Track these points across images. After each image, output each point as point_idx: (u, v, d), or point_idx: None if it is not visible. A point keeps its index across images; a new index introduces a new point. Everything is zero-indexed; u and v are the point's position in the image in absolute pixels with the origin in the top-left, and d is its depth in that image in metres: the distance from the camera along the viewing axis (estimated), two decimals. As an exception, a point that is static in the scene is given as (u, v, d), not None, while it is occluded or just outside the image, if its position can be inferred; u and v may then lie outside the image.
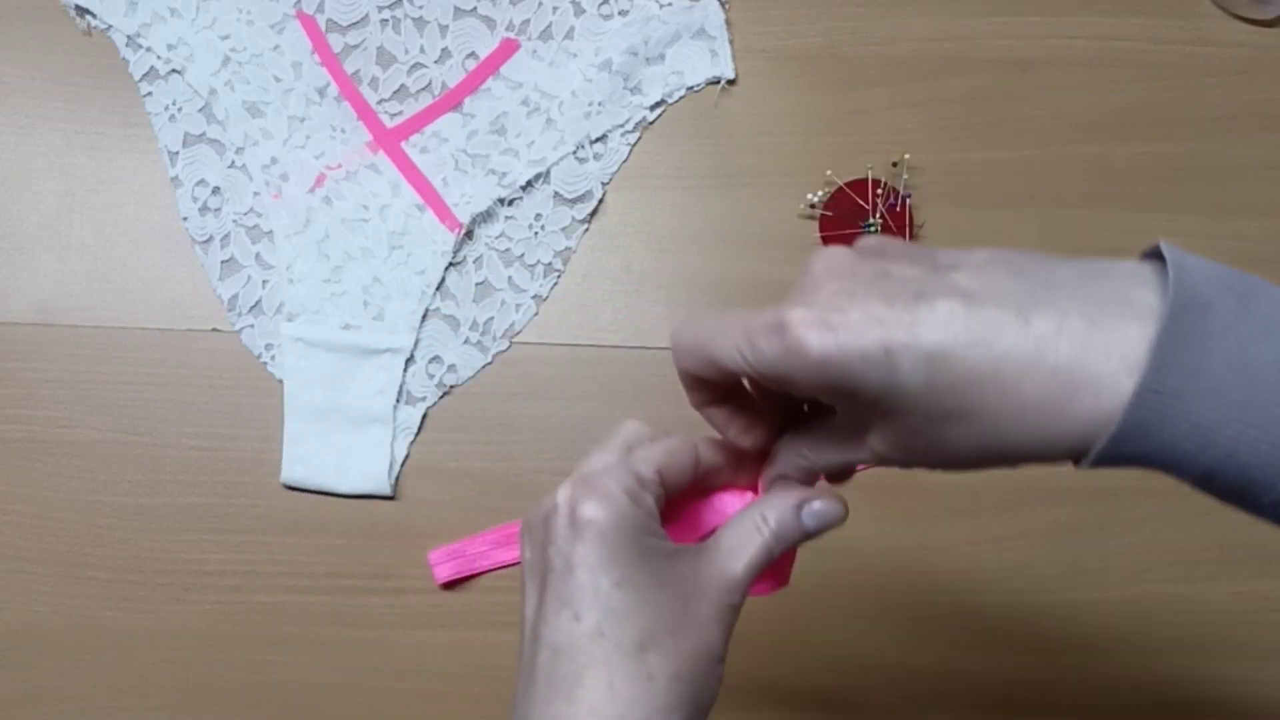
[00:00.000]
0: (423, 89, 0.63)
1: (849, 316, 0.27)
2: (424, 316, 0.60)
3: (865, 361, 0.27)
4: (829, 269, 0.30)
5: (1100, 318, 0.26)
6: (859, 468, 0.35)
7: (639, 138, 0.62)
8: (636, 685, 0.30)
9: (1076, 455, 0.27)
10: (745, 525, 0.34)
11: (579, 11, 0.63)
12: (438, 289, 0.60)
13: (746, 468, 0.36)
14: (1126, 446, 0.26)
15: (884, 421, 0.29)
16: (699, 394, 0.34)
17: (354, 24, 0.63)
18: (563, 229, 0.61)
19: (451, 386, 0.59)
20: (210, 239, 0.61)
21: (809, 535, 0.34)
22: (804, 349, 0.28)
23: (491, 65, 0.63)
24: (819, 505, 0.34)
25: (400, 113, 0.62)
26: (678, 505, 0.36)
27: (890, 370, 0.27)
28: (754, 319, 0.29)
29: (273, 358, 0.59)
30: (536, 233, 0.61)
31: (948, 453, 0.29)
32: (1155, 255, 0.28)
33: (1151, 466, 0.27)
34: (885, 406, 0.28)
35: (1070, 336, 0.26)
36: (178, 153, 0.62)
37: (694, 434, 0.35)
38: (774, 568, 0.36)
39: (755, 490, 0.37)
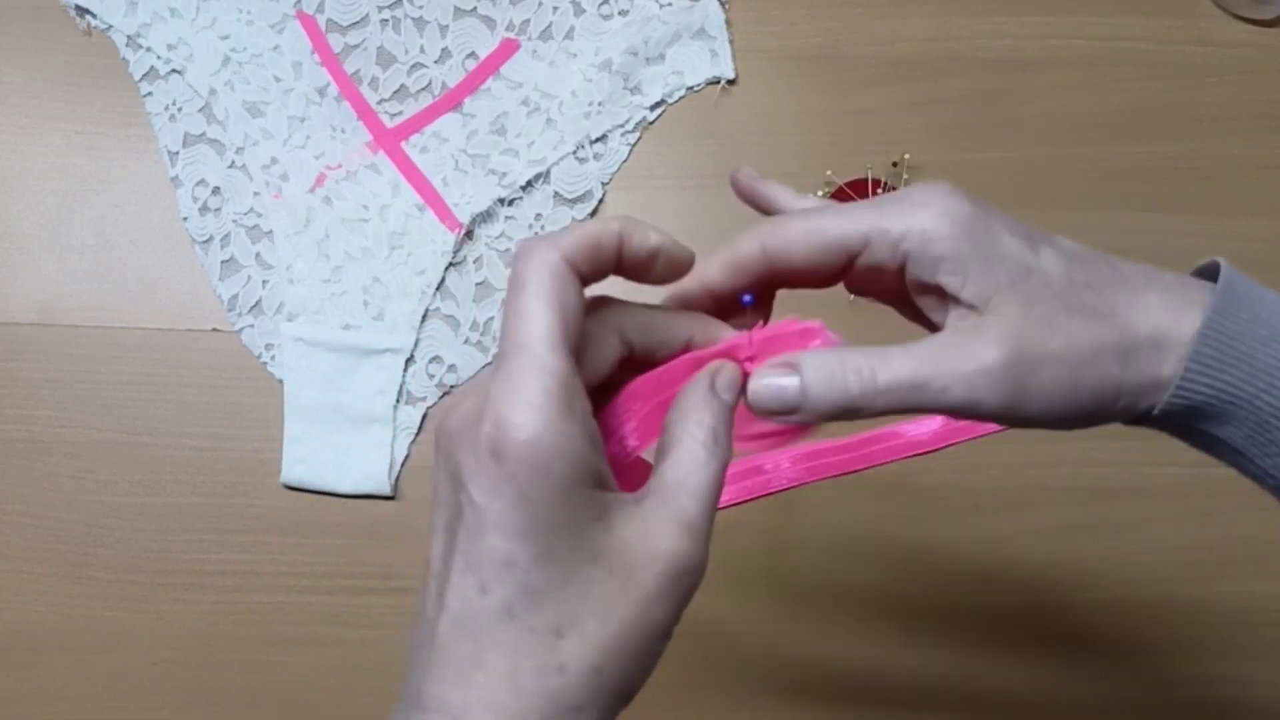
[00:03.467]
0: (423, 89, 0.63)
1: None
2: (424, 316, 0.60)
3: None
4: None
5: (1173, 292, 0.31)
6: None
7: (639, 138, 0.62)
8: (545, 679, 0.26)
9: (1146, 400, 0.31)
10: (683, 443, 0.28)
11: (579, 11, 0.63)
12: (438, 289, 0.60)
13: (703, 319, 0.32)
14: (1196, 385, 0.30)
15: (1011, 313, 0.29)
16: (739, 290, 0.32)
17: (354, 24, 0.63)
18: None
19: (451, 386, 0.59)
20: (210, 239, 0.61)
21: (733, 412, 0.30)
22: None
23: (491, 65, 0.63)
24: (727, 375, 0.30)
25: (400, 113, 0.62)
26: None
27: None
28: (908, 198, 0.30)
29: (273, 358, 0.59)
30: (537, 233, 0.61)
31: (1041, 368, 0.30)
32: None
33: (1212, 421, 0.31)
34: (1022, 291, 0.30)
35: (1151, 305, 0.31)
36: (178, 153, 0.62)
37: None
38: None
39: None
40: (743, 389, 0.31)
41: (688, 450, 0.28)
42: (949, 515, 0.58)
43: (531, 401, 0.25)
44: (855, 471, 0.59)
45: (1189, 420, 0.31)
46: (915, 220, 0.30)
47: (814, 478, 0.58)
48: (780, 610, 0.57)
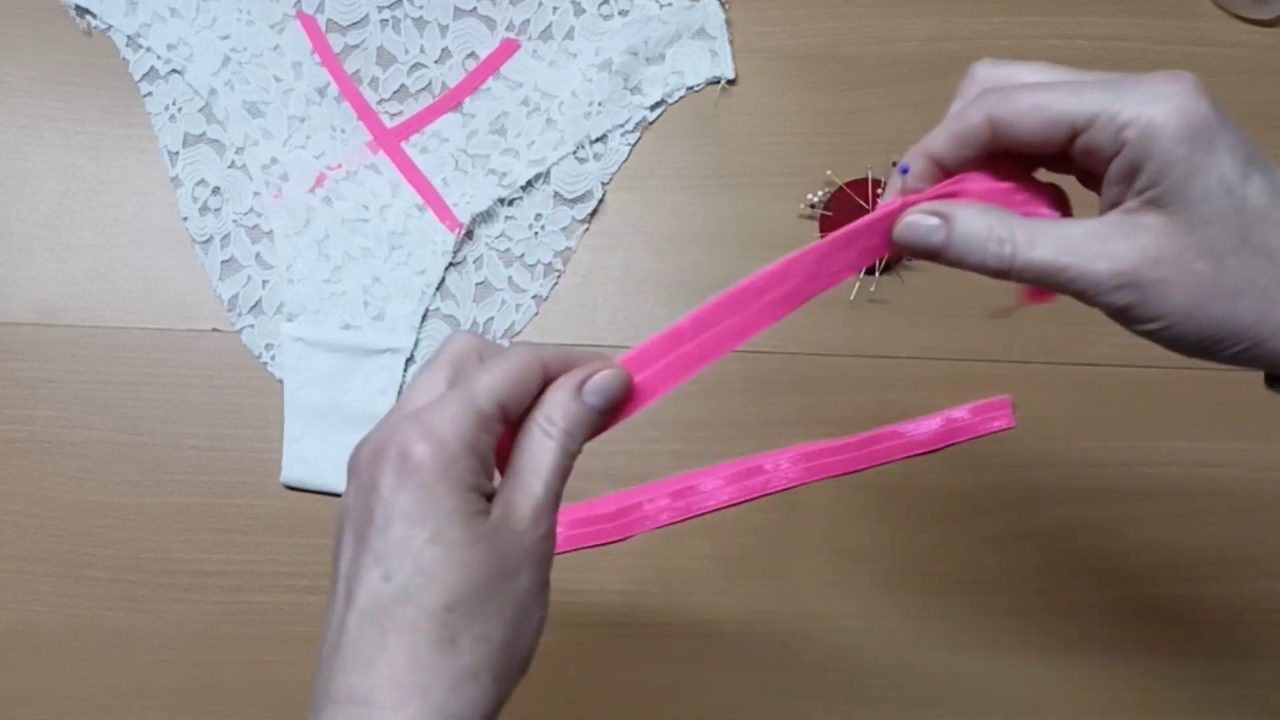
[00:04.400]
0: (423, 89, 0.63)
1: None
2: (424, 316, 0.60)
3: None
4: None
5: None
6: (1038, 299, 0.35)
7: (639, 138, 0.62)
8: (440, 651, 0.29)
9: None
10: (532, 435, 0.32)
11: (579, 11, 0.63)
12: (438, 289, 0.60)
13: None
14: None
15: (1181, 223, 0.30)
16: (972, 160, 0.33)
17: (354, 24, 0.63)
18: (563, 229, 0.61)
19: (451, 386, 0.59)
20: (210, 239, 0.61)
21: (601, 414, 0.33)
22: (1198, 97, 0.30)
23: (491, 65, 0.63)
24: (598, 379, 0.33)
25: (400, 113, 0.62)
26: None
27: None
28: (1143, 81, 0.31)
29: (273, 358, 0.59)
30: (536, 233, 0.61)
31: (1198, 294, 0.30)
32: None
33: None
34: (1221, 202, 0.30)
35: None
36: (178, 153, 0.62)
37: (533, 348, 0.34)
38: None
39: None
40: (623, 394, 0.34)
41: (534, 436, 0.32)
42: (949, 515, 0.58)
43: (449, 415, 0.30)
44: (855, 471, 0.59)
45: None
46: (1147, 110, 0.30)
47: (814, 477, 0.58)
48: (780, 610, 0.57)
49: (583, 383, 0.33)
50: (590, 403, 0.32)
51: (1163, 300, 0.31)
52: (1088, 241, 0.31)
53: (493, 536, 0.30)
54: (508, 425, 0.32)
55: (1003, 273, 0.32)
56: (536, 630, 0.32)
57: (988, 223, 0.32)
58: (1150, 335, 0.32)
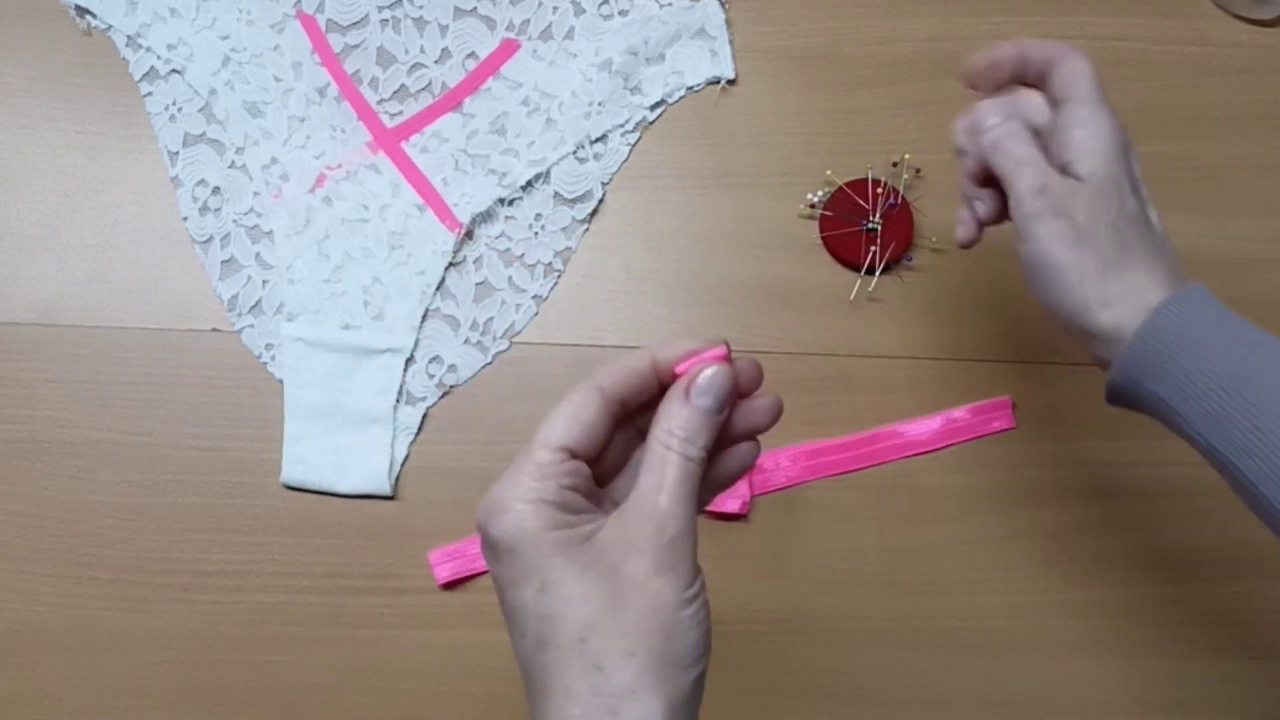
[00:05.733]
0: (423, 89, 0.63)
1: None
2: (424, 316, 0.60)
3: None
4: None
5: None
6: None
7: (639, 138, 0.62)
8: (589, 679, 0.31)
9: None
10: (652, 450, 0.34)
11: (579, 11, 0.63)
12: (438, 289, 0.60)
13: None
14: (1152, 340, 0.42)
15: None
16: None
17: (354, 24, 0.63)
18: (563, 229, 0.61)
19: (451, 386, 0.59)
20: (210, 239, 0.61)
21: (712, 414, 0.34)
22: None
23: (491, 65, 0.63)
24: (702, 379, 0.34)
25: (400, 113, 0.62)
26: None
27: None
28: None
29: (273, 358, 0.59)
30: (536, 233, 0.61)
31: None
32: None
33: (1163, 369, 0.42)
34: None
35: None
36: (178, 153, 0.62)
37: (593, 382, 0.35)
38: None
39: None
40: (727, 394, 0.35)
41: (655, 452, 0.33)
42: (949, 515, 0.58)
43: (508, 483, 0.33)
44: (855, 470, 0.59)
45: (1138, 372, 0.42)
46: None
47: (814, 476, 0.58)
48: (780, 610, 0.57)
49: (689, 387, 0.34)
50: (699, 404, 0.34)
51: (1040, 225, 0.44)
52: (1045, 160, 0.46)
53: (607, 557, 0.32)
54: (583, 456, 0.34)
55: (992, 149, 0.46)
56: (693, 634, 0.32)
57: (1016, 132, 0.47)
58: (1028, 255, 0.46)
